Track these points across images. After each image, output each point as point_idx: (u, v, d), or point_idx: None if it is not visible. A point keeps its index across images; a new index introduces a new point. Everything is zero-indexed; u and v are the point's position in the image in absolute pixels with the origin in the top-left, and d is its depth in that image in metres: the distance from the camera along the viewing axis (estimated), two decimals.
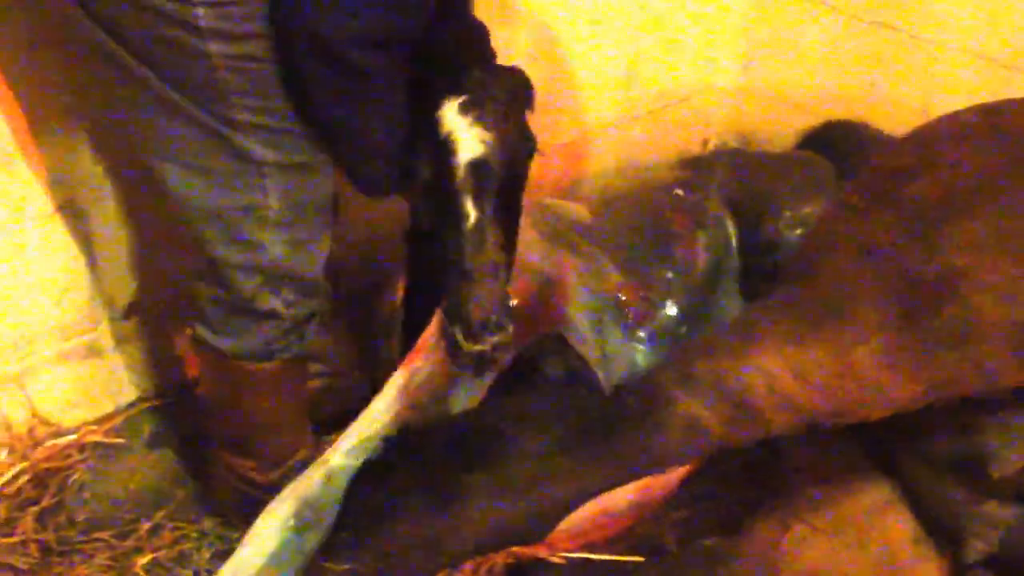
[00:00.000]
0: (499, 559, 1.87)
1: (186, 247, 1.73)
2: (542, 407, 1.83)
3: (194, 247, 1.68)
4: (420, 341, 1.85)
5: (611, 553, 1.92)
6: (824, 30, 2.73)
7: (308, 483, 1.79)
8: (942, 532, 1.77)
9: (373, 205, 2.03)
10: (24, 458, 2.12)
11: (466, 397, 1.89)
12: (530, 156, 1.64)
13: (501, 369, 1.83)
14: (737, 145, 2.99)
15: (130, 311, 2.22)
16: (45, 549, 1.99)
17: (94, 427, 2.23)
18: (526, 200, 1.74)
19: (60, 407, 2.21)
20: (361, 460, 1.79)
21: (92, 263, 2.13)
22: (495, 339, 1.59)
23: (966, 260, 1.50)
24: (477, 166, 1.53)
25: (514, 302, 1.85)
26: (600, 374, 1.98)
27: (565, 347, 1.99)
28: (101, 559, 1.98)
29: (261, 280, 1.67)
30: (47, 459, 2.14)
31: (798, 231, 2.27)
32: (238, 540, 1.79)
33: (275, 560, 1.74)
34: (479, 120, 1.54)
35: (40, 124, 1.94)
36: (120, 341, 2.24)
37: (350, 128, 1.58)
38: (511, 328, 1.62)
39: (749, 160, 2.58)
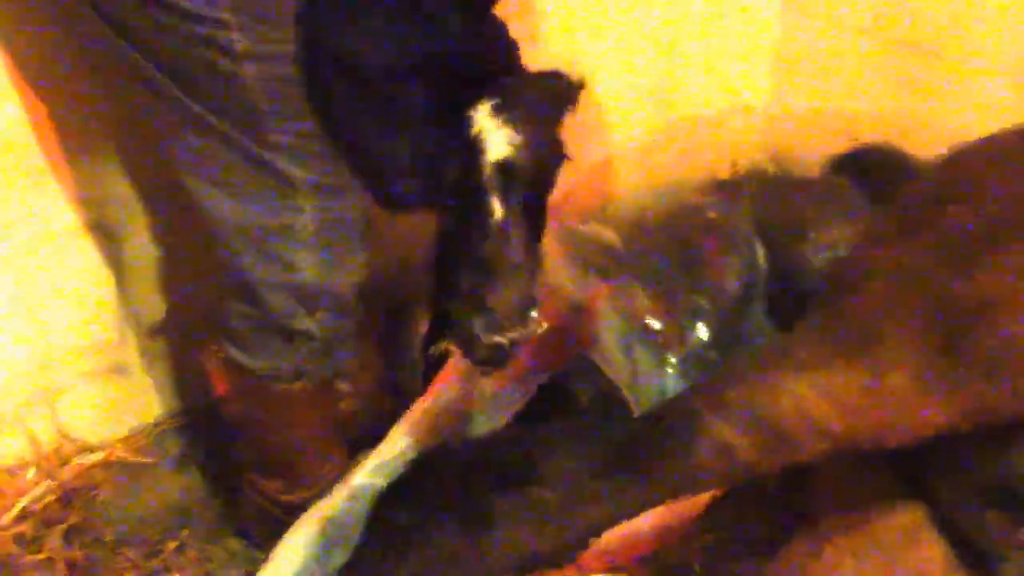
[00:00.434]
0: None
1: (215, 266, 1.73)
2: (573, 430, 1.82)
3: (226, 266, 1.68)
4: (445, 366, 1.85)
5: None
6: (857, 52, 2.72)
7: (332, 503, 1.78)
8: (975, 557, 1.75)
9: (402, 227, 2.03)
10: (51, 476, 2.13)
11: (492, 421, 1.88)
12: (559, 163, 1.63)
13: (531, 391, 1.83)
14: (768, 167, 2.98)
15: (158, 329, 2.22)
16: (71, 567, 1.99)
17: (120, 445, 2.24)
18: (556, 225, 1.73)
19: (87, 425, 2.21)
20: (385, 480, 1.79)
21: (120, 282, 2.13)
22: (514, 333, 1.58)
23: (1004, 286, 1.48)
24: (504, 166, 1.53)
25: (544, 326, 1.84)
26: (630, 398, 1.97)
27: (595, 371, 1.98)
28: None
29: (295, 300, 1.67)
30: (74, 477, 2.15)
31: (826, 255, 2.25)
32: (263, 560, 1.78)
33: None
34: (509, 122, 1.54)
35: (72, 142, 1.95)
36: (147, 359, 2.25)
37: (375, 149, 1.58)
38: (532, 325, 1.61)
39: (779, 183, 2.57)
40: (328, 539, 1.75)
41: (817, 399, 1.55)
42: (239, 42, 1.42)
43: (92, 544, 2.04)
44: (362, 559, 1.73)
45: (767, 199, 2.39)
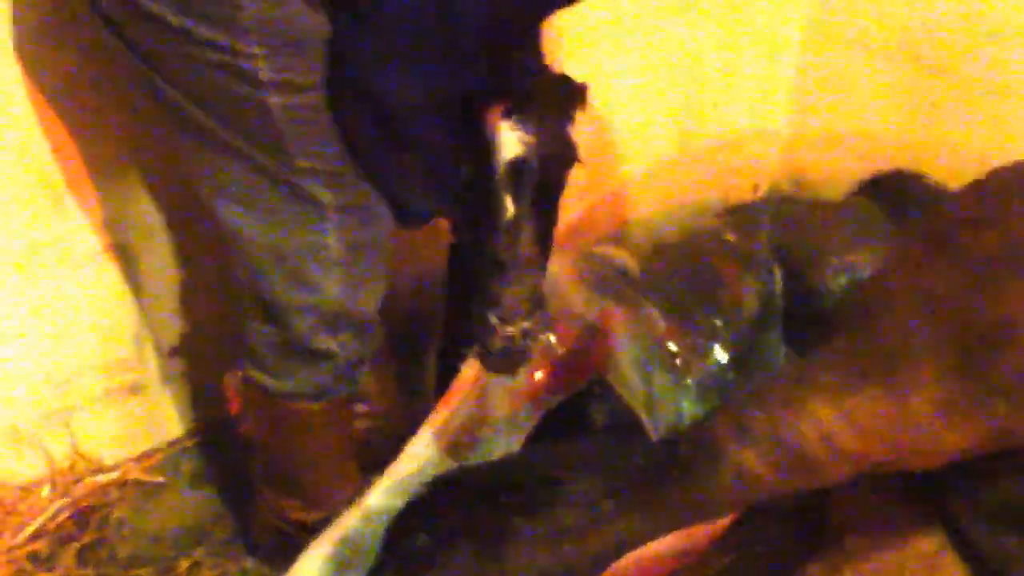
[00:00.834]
0: None
1: (235, 287, 1.73)
2: (591, 453, 1.81)
3: (250, 287, 1.68)
4: (456, 383, 1.85)
5: None
6: (880, 75, 2.71)
7: (347, 523, 1.77)
8: None
9: (416, 248, 2.03)
10: (66, 494, 2.13)
11: (506, 442, 1.88)
12: (570, 163, 1.65)
13: (549, 406, 1.83)
14: (789, 191, 2.97)
15: (175, 349, 2.23)
16: None
17: (135, 464, 2.24)
18: (573, 248, 1.73)
19: (102, 444, 2.22)
20: (399, 500, 1.78)
21: (139, 302, 2.14)
22: (527, 324, 1.60)
23: None
24: (517, 165, 1.55)
25: (560, 351, 1.84)
26: (646, 420, 1.96)
27: (610, 393, 1.97)
28: None
29: (318, 320, 1.67)
30: (89, 495, 2.15)
31: (845, 279, 2.25)
32: None
33: None
34: (521, 124, 1.56)
35: (94, 165, 1.96)
36: (164, 379, 2.25)
37: (391, 169, 1.60)
38: (543, 318, 1.64)
39: (798, 206, 2.56)
40: (343, 560, 1.74)
41: (839, 423, 1.54)
42: (264, 71, 1.43)
43: (106, 562, 2.05)
44: None
45: (786, 222, 2.39)
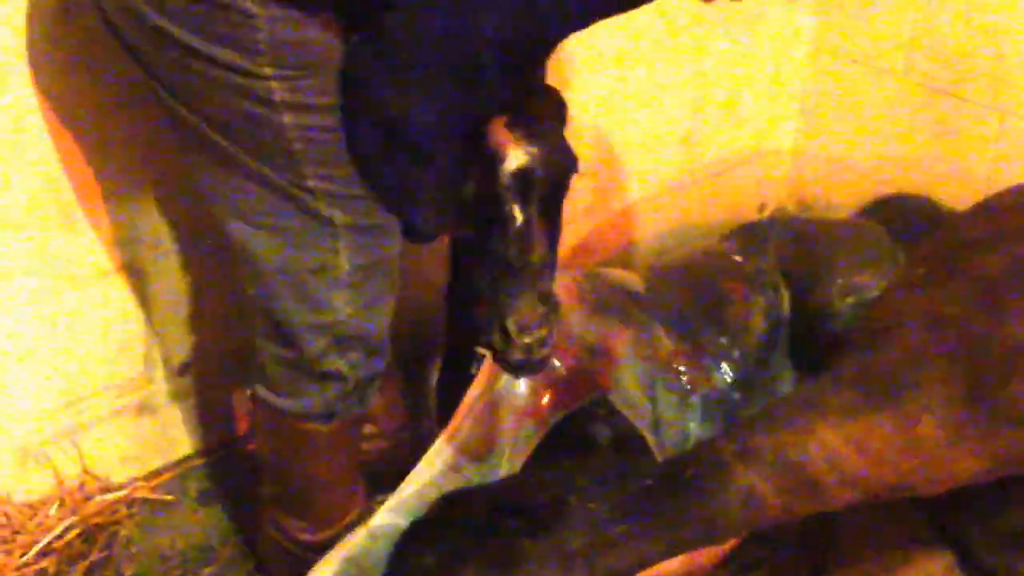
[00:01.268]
0: None
1: (244, 307, 1.74)
2: (597, 473, 1.81)
3: (261, 307, 1.68)
4: (462, 403, 1.85)
5: None
6: (886, 96, 2.72)
7: (354, 543, 1.77)
8: None
9: (425, 269, 2.04)
10: (74, 513, 2.13)
11: (510, 461, 1.88)
12: (571, 172, 1.67)
13: (552, 423, 1.83)
14: (795, 211, 2.98)
15: (184, 369, 2.23)
16: None
17: (144, 483, 2.24)
18: (579, 269, 1.73)
19: (111, 462, 2.22)
20: (406, 519, 1.78)
21: (149, 321, 2.14)
22: (542, 332, 1.59)
23: None
24: (523, 173, 1.57)
25: (562, 372, 1.85)
26: (651, 440, 1.96)
27: (612, 413, 1.97)
28: None
29: (328, 340, 1.67)
30: (97, 514, 2.15)
31: (851, 300, 2.25)
32: None
33: None
34: (524, 135, 1.59)
35: (106, 184, 1.97)
36: (173, 398, 2.25)
37: (404, 191, 1.60)
38: (555, 325, 1.62)
39: (805, 227, 2.56)
40: None
41: (847, 448, 1.54)
42: (279, 92, 1.44)
43: None
44: None
45: (793, 243, 2.39)
